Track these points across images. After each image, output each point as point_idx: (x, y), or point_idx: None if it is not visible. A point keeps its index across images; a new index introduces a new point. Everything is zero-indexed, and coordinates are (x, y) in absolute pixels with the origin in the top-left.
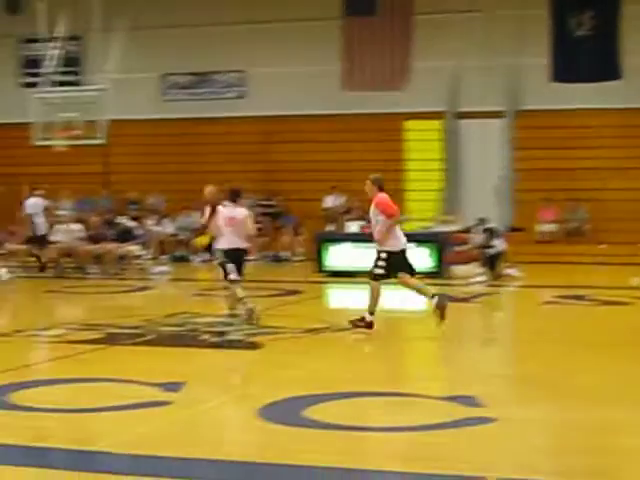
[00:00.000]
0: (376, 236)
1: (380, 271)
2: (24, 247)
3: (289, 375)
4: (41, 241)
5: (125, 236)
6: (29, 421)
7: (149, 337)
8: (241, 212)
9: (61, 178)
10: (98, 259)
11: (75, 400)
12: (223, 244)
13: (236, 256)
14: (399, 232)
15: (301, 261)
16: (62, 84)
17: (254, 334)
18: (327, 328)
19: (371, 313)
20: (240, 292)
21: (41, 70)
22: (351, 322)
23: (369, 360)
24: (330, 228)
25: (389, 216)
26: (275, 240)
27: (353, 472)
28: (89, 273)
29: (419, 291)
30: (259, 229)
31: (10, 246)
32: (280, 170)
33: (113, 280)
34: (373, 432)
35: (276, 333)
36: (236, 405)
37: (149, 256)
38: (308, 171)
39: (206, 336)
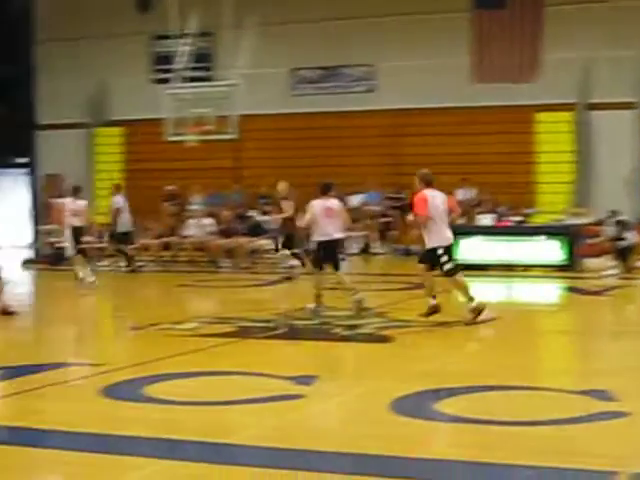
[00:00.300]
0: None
1: (449, 266)
2: (157, 242)
3: (420, 368)
4: (125, 238)
5: (256, 230)
6: (162, 413)
7: (281, 331)
8: (336, 203)
9: (192, 173)
10: (230, 253)
11: (208, 393)
12: (318, 236)
13: (331, 247)
14: (439, 229)
15: None
16: (193, 80)
17: (385, 327)
18: (458, 321)
19: (470, 299)
20: (344, 280)
21: (173, 66)
22: (470, 320)
23: (500, 354)
24: (461, 221)
25: (415, 215)
26: (405, 234)
27: (486, 466)
28: (221, 267)
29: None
30: (388, 223)
31: (144, 241)
32: (409, 163)
33: (244, 274)
34: (506, 426)
35: (406, 327)
36: (368, 398)
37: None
38: (437, 164)
39: (337, 329)
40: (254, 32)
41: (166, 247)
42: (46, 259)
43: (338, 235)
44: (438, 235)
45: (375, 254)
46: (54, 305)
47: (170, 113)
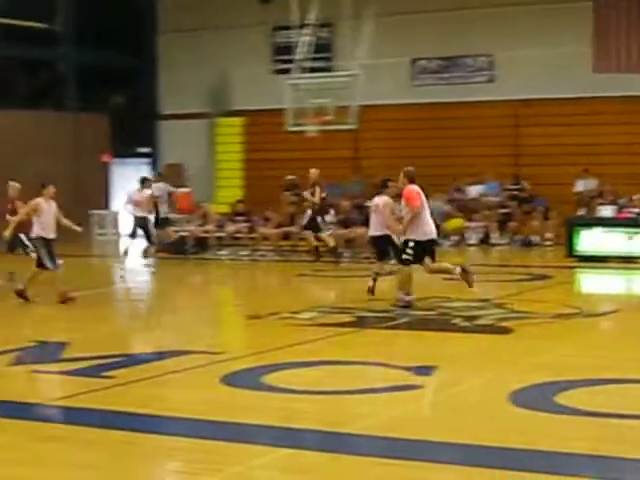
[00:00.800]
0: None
1: (408, 257)
2: (276, 232)
3: (539, 360)
4: (163, 224)
5: None
6: (281, 402)
7: (400, 321)
8: (382, 200)
9: (312, 163)
10: (349, 243)
11: (326, 382)
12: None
13: (377, 242)
14: (424, 223)
15: (551, 246)
16: (313, 70)
17: (505, 319)
18: (577, 313)
19: (407, 294)
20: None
21: (293, 57)
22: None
23: (619, 346)
24: (581, 212)
25: (412, 208)
26: (524, 224)
27: (608, 459)
28: (340, 257)
29: (446, 271)
30: (507, 213)
31: (263, 230)
32: (528, 154)
33: (364, 264)
34: (625, 419)
35: (526, 318)
36: (487, 389)
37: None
38: (557, 155)
39: (457, 320)
40: (374, 22)
41: (285, 237)
42: (167, 247)
43: (378, 232)
44: (420, 229)
45: (494, 245)
46: (175, 293)
47: (290, 103)
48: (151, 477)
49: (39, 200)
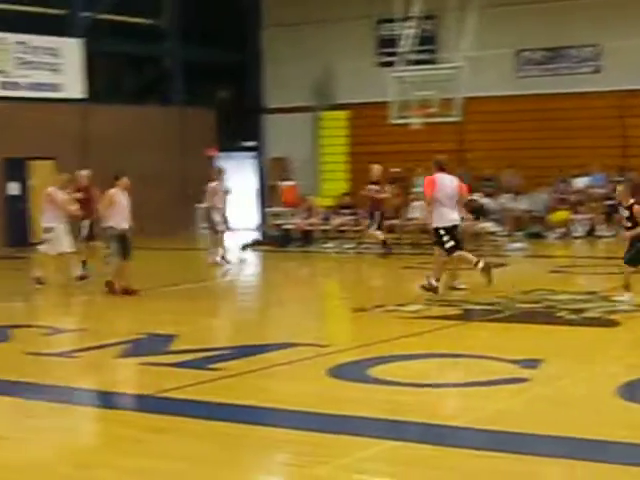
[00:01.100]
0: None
1: (450, 244)
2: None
3: None
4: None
5: (480, 213)
6: (387, 395)
7: (505, 314)
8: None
9: (416, 156)
10: None
11: (432, 375)
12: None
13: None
14: (444, 211)
15: None
16: (418, 63)
17: (612, 311)
18: None
19: (437, 280)
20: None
21: (397, 49)
22: (422, 287)
23: None
24: None
25: (424, 195)
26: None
27: None
28: (389, 251)
29: (467, 261)
30: (613, 205)
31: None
32: (635, 145)
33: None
34: None
35: (634, 311)
36: (593, 383)
37: (504, 233)
38: None
39: (563, 313)
40: (478, 14)
41: (390, 230)
42: (272, 241)
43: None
44: (442, 216)
45: (600, 237)
46: (280, 286)
47: (394, 96)
48: (259, 469)
49: (114, 191)
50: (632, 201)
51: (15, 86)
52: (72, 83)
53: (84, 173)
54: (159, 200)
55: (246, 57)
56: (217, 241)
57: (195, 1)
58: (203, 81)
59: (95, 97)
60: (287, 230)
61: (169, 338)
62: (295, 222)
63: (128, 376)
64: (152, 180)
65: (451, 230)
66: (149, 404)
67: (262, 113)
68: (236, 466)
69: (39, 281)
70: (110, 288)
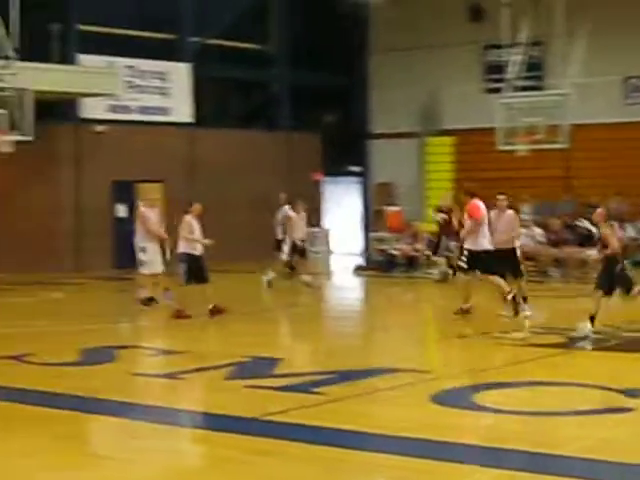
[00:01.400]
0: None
1: (463, 265)
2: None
3: None
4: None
5: (586, 240)
6: (491, 422)
7: (611, 342)
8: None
9: (522, 182)
10: (559, 263)
11: (537, 403)
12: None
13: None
14: (482, 235)
15: None
16: (525, 89)
17: None
18: None
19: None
20: None
21: (504, 76)
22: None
23: None
24: None
25: (474, 220)
26: None
27: None
28: (550, 276)
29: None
30: None
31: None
32: None
33: (574, 284)
34: None
35: None
36: None
37: None
38: None
39: None
40: (585, 40)
41: None
42: (377, 266)
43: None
44: (484, 239)
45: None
46: (383, 311)
47: (501, 122)
48: None
49: (189, 217)
50: None
51: (125, 110)
52: (180, 107)
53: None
54: (265, 224)
55: (352, 82)
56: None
57: (303, 26)
58: (310, 106)
59: (202, 121)
60: (392, 255)
61: (274, 361)
62: (400, 247)
63: (233, 398)
64: (259, 204)
65: (480, 254)
66: (254, 427)
67: (368, 138)
68: None
69: (144, 302)
70: (212, 312)
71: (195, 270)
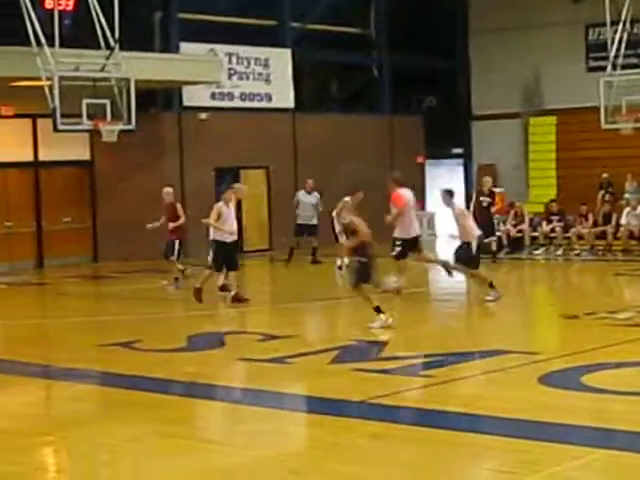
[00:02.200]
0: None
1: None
2: (591, 230)
3: None
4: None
5: None
6: (599, 403)
7: None
8: None
9: (626, 161)
10: None
11: None
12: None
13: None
14: (409, 221)
15: None
16: (627, 67)
17: None
18: None
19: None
20: None
21: (607, 54)
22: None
23: None
24: None
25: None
26: None
27: None
28: None
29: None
30: None
31: (578, 229)
32: None
33: None
34: None
35: None
36: None
37: None
38: None
39: None
40: None
41: (601, 236)
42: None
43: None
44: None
45: None
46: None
47: (604, 101)
48: (471, 476)
49: (219, 204)
50: None
51: (227, 97)
52: (282, 93)
53: (169, 190)
54: (370, 207)
55: (454, 64)
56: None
57: (403, 9)
58: (411, 88)
59: (304, 106)
60: (497, 237)
61: (380, 344)
62: (504, 229)
63: (340, 382)
64: (362, 188)
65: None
66: (362, 410)
67: (470, 120)
68: (448, 473)
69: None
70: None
71: (224, 257)
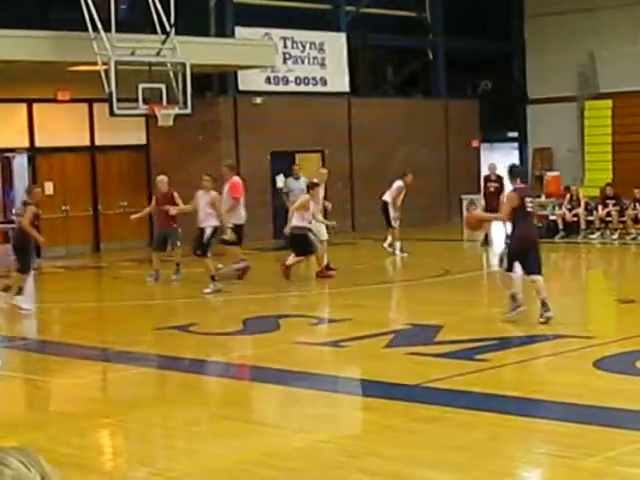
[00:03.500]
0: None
1: (227, 237)
2: None
3: None
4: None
5: None
6: None
7: None
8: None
9: None
10: None
11: None
12: None
13: None
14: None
15: None
16: None
17: None
18: None
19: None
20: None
21: None
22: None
23: None
24: None
25: (234, 198)
26: None
27: None
28: None
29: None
30: None
31: (634, 213)
32: None
33: None
34: None
35: None
36: None
37: None
38: None
39: None
40: None
41: None
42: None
43: None
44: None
45: None
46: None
47: None
48: (528, 460)
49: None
50: None
51: (282, 81)
52: (337, 77)
53: (163, 179)
54: (424, 191)
55: (509, 47)
56: (393, 234)
57: None
58: (466, 72)
59: (359, 90)
60: (551, 221)
61: (435, 328)
62: (559, 213)
63: (395, 366)
64: (417, 172)
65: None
66: (417, 394)
67: (525, 103)
68: (505, 457)
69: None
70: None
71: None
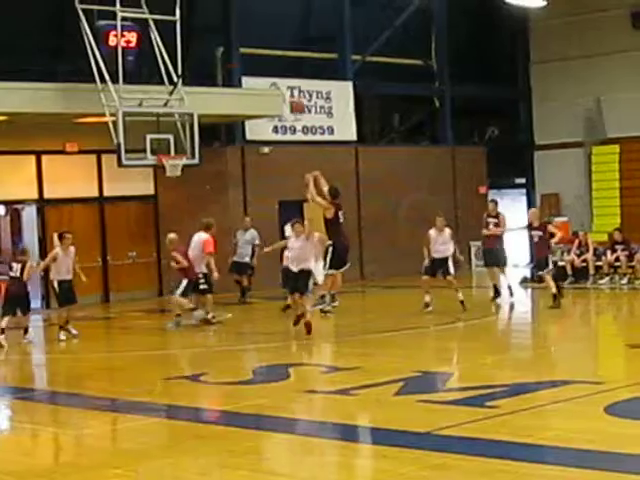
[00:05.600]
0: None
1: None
2: None
3: None
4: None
5: None
6: None
7: None
8: None
9: None
10: None
11: None
12: None
13: None
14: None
15: None
16: None
17: None
18: None
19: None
20: None
21: None
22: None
23: None
24: None
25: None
26: None
27: None
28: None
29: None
30: None
31: None
32: None
33: None
34: None
35: None
36: None
37: None
38: None
39: None
40: None
41: None
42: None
43: None
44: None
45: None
46: (554, 323)
47: None
48: None
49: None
50: None
51: (289, 130)
52: (344, 125)
53: (174, 237)
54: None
55: (515, 93)
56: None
57: (463, 40)
58: (472, 119)
59: (366, 138)
60: (560, 267)
61: (444, 376)
62: (568, 258)
63: (405, 413)
64: (424, 219)
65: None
66: (428, 442)
67: (532, 149)
68: None
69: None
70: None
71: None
